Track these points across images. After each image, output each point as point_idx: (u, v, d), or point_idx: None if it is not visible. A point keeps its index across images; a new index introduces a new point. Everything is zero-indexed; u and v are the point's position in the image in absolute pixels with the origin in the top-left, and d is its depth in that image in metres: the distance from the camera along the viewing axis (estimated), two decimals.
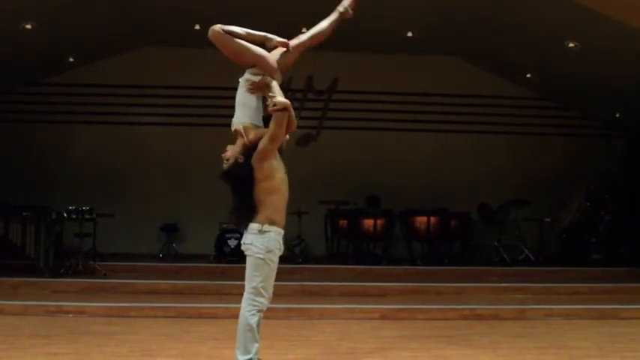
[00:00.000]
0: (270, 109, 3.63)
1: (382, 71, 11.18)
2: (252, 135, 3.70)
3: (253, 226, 3.68)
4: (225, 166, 3.73)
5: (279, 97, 3.63)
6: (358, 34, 10.16)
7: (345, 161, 11.06)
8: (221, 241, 9.46)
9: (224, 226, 9.45)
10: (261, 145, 3.64)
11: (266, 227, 3.66)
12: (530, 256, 9.74)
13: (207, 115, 10.49)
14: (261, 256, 3.66)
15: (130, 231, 10.44)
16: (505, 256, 9.51)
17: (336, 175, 10.86)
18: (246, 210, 3.68)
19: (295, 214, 9.47)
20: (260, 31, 3.91)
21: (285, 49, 3.92)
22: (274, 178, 3.70)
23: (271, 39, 3.92)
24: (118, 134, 11.01)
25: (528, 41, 9.49)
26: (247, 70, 3.84)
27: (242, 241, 3.76)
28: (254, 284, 3.68)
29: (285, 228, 3.83)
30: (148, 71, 10.98)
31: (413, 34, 10.05)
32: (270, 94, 3.65)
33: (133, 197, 10.74)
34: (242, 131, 3.70)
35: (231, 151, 3.72)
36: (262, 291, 3.68)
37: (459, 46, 10.82)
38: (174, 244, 10.27)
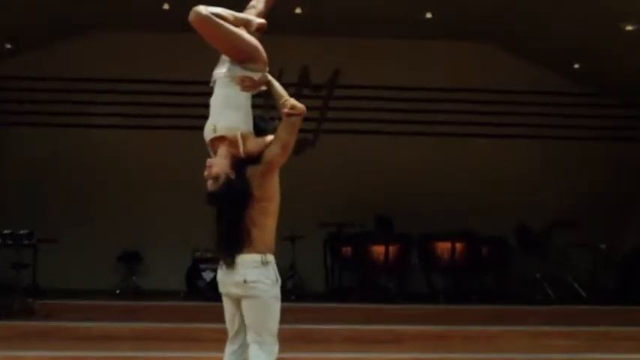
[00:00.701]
0: (284, 112, 3.68)
1: (394, 61, 11.20)
2: (251, 145, 3.69)
3: (254, 258, 3.61)
4: (213, 186, 3.65)
5: (293, 100, 3.71)
6: (364, 16, 10.19)
7: (349, 172, 11.05)
8: (194, 273, 9.41)
9: (198, 254, 9.42)
10: (270, 155, 3.66)
11: (269, 257, 3.65)
12: (582, 291, 9.69)
13: (180, 115, 10.51)
14: (275, 293, 3.64)
15: (79, 261, 10.38)
16: (549, 291, 9.48)
17: (338, 190, 10.85)
18: (236, 237, 3.61)
19: (288, 240, 9.43)
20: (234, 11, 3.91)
21: (260, 29, 3.95)
22: (277, 198, 3.73)
23: (252, 21, 3.92)
24: (65, 139, 10.97)
25: (576, 23, 9.50)
26: (230, 62, 3.79)
27: (237, 279, 3.61)
28: (273, 331, 3.64)
29: (274, 256, 3.80)
30: (104, 61, 10.95)
31: (432, 15, 10.08)
32: (285, 97, 3.73)
33: (83, 218, 10.67)
34: (239, 139, 3.66)
35: (219, 167, 3.64)
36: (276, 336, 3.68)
37: (488, 29, 10.83)
38: (135, 278, 10.23)
